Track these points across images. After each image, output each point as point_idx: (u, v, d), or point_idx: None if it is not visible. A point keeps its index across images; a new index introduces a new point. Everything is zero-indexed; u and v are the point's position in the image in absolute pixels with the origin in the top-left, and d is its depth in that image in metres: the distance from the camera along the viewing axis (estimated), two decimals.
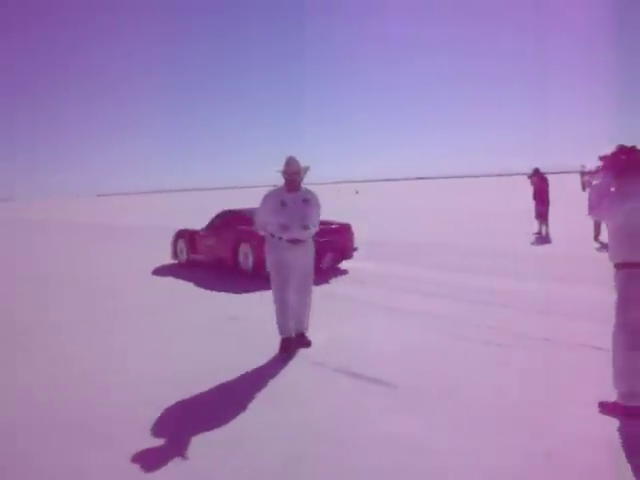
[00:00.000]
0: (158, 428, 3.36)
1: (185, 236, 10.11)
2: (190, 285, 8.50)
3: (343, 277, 8.49)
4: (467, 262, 9.14)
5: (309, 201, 4.69)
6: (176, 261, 10.40)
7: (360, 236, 9.61)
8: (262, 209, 4.75)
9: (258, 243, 7.61)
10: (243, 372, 4.26)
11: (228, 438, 3.20)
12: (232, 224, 9.19)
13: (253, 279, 8.14)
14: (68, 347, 5.23)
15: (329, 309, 6.10)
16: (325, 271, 8.15)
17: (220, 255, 9.16)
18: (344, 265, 9.12)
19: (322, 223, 8.13)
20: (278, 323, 4.67)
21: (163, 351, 4.95)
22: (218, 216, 9.89)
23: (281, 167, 4.64)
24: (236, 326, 5.70)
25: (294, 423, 3.34)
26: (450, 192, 49.01)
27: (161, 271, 9.94)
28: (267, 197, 4.73)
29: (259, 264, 7.88)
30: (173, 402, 3.73)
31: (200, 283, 8.51)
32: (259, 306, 6.18)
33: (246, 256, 8.46)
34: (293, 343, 4.70)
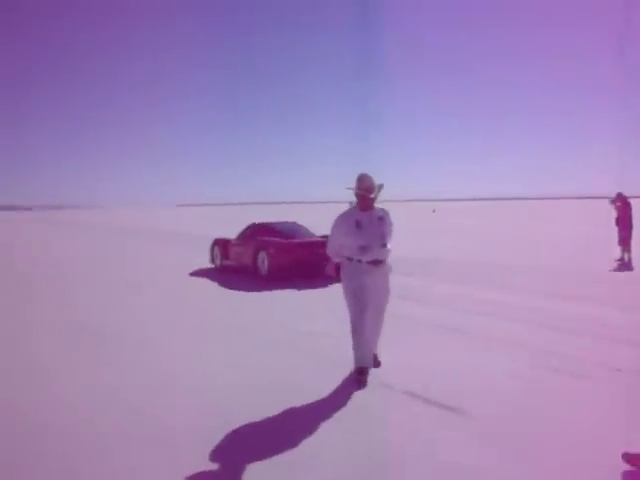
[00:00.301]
0: (224, 443, 3.30)
1: (220, 244, 11.46)
2: (258, 295, 8.65)
3: (410, 296, 7.86)
4: (546, 286, 8.78)
5: (384, 219, 4.41)
6: (212, 266, 11.80)
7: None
8: (336, 232, 4.47)
9: (274, 251, 9.14)
10: (315, 391, 4.14)
11: (295, 459, 3.08)
12: (255, 235, 10.45)
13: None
14: (139, 354, 5.26)
15: (394, 329, 5.53)
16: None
17: (244, 261, 10.39)
18: (415, 286, 8.82)
19: (324, 237, 9.68)
20: (355, 353, 4.37)
21: (238, 364, 4.89)
22: (247, 228, 11.16)
23: (353, 184, 4.38)
24: (311, 342, 5.53)
25: (364, 449, 3.22)
26: (527, 215, 47.99)
27: (214, 277, 10.55)
28: (340, 219, 4.45)
29: (273, 269, 9.48)
30: (243, 417, 3.66)
31: (265, 294, 8.67)
32: (334, 322, 5.86)
33: (263, 262, 9.65)
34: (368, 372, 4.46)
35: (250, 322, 6.74)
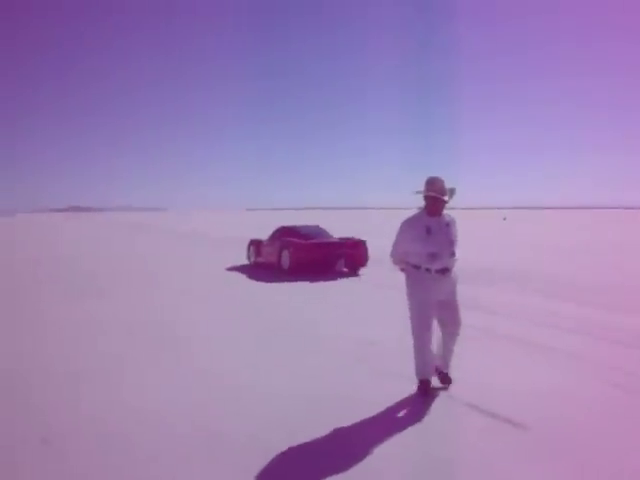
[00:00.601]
0: (281, 453, 3.20)
1: (254, 244, 13.45)
2: (275, 285, 10.27)
3: (472, 304, 7.44)
4: (619, 302, 8.36)
5: (451, 226, 4.17)
6: (248, 262, 13.77)
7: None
8: (402, 237, 4.21)
9: (293, 250, 10.72)
10: (377, 402, 4.00)
11: (353, 474, 2.99)
12: (280, 236, 12.22)
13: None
14: (198, 360, 5.20)
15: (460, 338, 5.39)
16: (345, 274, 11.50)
17: (271, 259, 12.22)
18: (484, 296, 8.71)
19: (340, 238, 12.42)
20: (417, 364, 4.20)
21: (300, 370, 4.80)
22: (276, 230, 12.94)
23: (421, 188, 4.13)
24: (374, 352, 5.37)
25: (424, 461, 3.15)
26: (608, 224, 46.08)
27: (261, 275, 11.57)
28: (408, 224, 4.17)
29: (292, 265, 11.26)
30: (302, 427, 3.57)
31: (281, 284, 10.29)
32: (397, 331, 5.85)
33: (285, 259, 11.38)
34: (434, 384, 4.33)
35: (264, 302, 8.41)
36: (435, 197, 4.04)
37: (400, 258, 4.30)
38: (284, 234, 12.21)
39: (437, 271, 4.04)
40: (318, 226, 13.35)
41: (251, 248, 13.54)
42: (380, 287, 9.91)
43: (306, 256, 10.99)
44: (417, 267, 4.10)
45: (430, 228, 4.05)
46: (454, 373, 4.46)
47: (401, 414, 3.87)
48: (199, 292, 9.47)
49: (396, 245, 4.30)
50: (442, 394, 4.22)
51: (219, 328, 6.54)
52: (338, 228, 26.33)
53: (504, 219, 51.17)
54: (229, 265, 13.53)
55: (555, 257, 15.51)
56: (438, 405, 4.01)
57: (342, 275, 11.58)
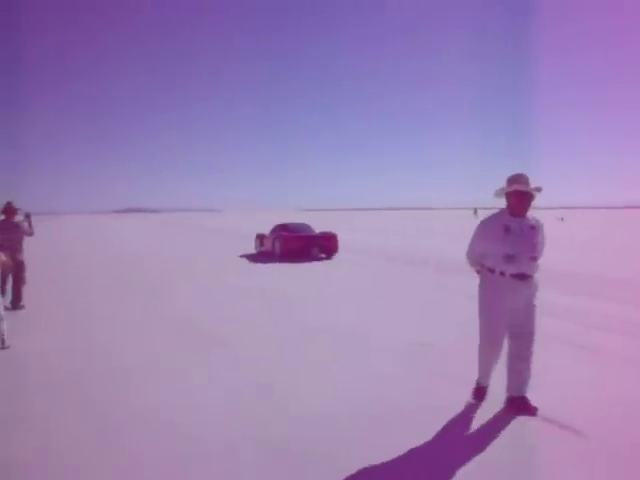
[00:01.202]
0: (335, 460, 3.02)
1: (259, 237, 16.76)
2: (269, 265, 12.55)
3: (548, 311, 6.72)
4: None
5: (536, 229, 3.84)
6: (255, 251, 16.76)
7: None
8: (478, 237, 3.92)
9: (282, 241, 14.43)
10: (433, 408, 3.78)
11: None
12: (275, 231, 15.64)
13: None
14: (251, 357, 5.04)
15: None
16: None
17: (269, 248, 15.44)
18: (555, 301, 7.80)
19: (320, 232, 15.65)
20: (480, 368, 3.98)
21: (355, 371, 4.61)
22: (274, 227, 16.29)
23: (503, 185, 3.82)
24: (430, 355, 5.11)
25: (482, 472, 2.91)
26: None
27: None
28: (486, 223, 3.89)
29: (282, 252, 14.49)
30: (356, 432, 3.37)
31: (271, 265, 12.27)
32: (450, 332, 5.83)
33: (277, 248, 14.69)
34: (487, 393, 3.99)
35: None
36: (521, 192, 3.70)
37: (476, 259, 3.98)
38: (279, 229, 15.63)
39: (512, 275, 3.69)
40: (305, 223, 16.89)
41: (256, 240, 16.94)
42: (344, 263, 13.60)
43: (291, 245, 14.56)
44: (491, 270, 3.80)
45: (509, 228, 3.74)
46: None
47: (460, 418, 3.64)
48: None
49: (472, 245, 3.98)
50: (496, 395, 3.91)
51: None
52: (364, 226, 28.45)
53: (561, 219, 50.18)
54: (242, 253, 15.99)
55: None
56: (511, 418, 3.64)
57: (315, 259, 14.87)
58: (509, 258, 3.64)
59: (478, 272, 3.98)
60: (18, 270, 6.98)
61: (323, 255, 14.98)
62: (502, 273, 3.69)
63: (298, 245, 14.60)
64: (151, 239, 26.01)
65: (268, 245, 15.62)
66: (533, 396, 3.75)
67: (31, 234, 7.43)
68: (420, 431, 3.39)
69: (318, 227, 17.85)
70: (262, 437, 3.28)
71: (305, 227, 16.21)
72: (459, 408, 3.78)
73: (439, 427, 3.46)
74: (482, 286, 3.87)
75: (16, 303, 7.03)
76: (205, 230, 35.17)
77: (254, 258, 14.80)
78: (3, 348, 5.15)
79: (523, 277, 3.67)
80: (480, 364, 3.96)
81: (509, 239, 3.66)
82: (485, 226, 3.85)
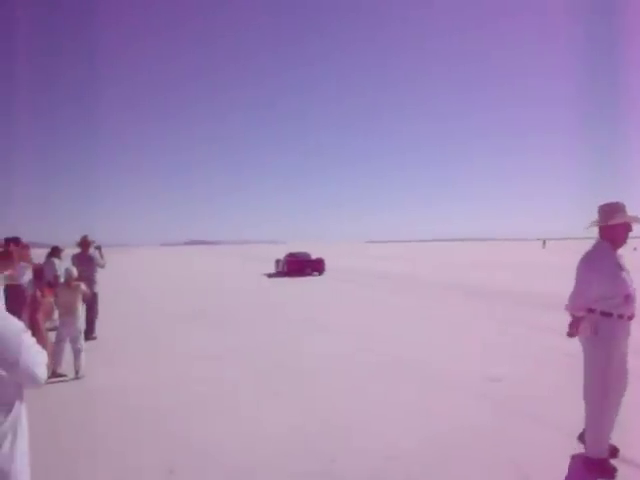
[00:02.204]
0: None
1: (277, 261, 24.23)
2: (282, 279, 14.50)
3: None
4: None
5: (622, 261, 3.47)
6: (274, 271, 23.97)
7: None
8: (587, 276, 3.31)
9: (286, 263, 22.10)
10: (500, 446, 3.50)
11: None
12: (285, 257, 22.93)
13: None
14: (310, 388, 4.96)
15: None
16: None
17: (280, 269, 23.00)
18: None
19: (315, 258, 23.20)
20: (594, 437, 3.27)
21: (418, 407, 4.37)
22: (285, 255, 23.55)
23: (597, 217, 3.43)
24: (499, 391, 4.76)
25: None
26: None
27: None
28: (596, 259, 3.31)
29: (287, 271, 21.79)
30: (420, 468, 3.22)
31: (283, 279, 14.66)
32: (523, 366, 5.58)
33: (284, 268, 22.20)
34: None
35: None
36: (629, 224, 3.33)
37: (583, 303, 3.34)
38: (287, 256, 23.05)
39: (629, 318, 3.27)
40: (306, 252, 24.52)
41: (275, 263, 24.59)
42: (330, 279, 19.22)
43: (292, 266, 21.84)
44: (608, 314, 3.26)
45: (621, 264, 3.33)
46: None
47: (529, 459, 3.31)
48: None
49: (580, 287, 3.33)
50: (563, 429, 3.71)
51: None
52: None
53: (634, 249, 47.32)
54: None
55: None
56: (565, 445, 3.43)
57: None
58: (628, 298, 3.22)
59: (580, 318, 3.34)
60: (92, 302, 7.19)
61: (316, 273, 21.94)
62: (620, 316, 3.20)
63: (297, 266, 21.93)
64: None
65: (280, 266, 23.26)
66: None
67: (103, 266, 7.68)
68: None
69: (387, 260, 20.48)
70: None
71: (305, 254, 23.71)
72: None
73: None
74: (599, 335, 3.24)
75: (89, 334, 7.20)
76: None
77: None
78: (77, 378, 5.23)
79: (633, 318, 3.25)
80: (592, 430, 3.25)
81: (626, 277, 3.26)
82: (597, 265, 3.29)
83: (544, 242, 58.77)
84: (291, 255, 23.02)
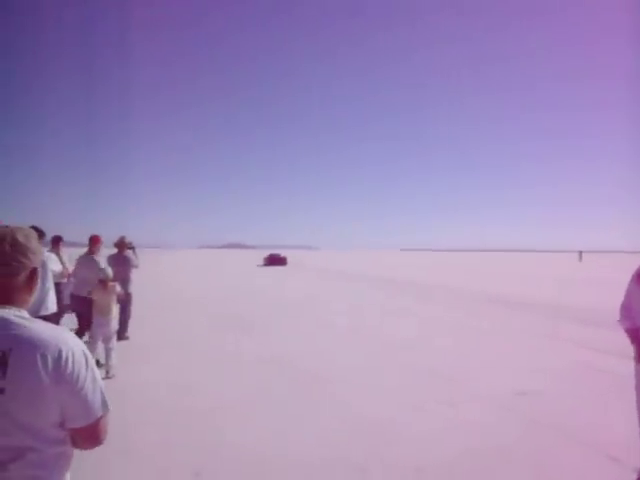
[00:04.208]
0: None
1: (264, 258, 43.66)
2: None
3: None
4: None
5: None
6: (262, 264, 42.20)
7: None
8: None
9: (268, 258, 42.69)
10: (528, 463, 3.37)
11: None
12: (267, 255, 43.60)
13: None
14: (347, 394, 4.92)
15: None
16: None
17: (265, 262, 42.38)
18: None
19: (278, 255, 45.31)
20: None
21: (448, 418, 4.26)
22: (268, 254, 44.05)
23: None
24: (526, 405, 4.63)
25: None
26: None
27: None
28: None
29: (266, 263, 42.24)
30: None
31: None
32: (552, 380, 5.46)
33: (265, 261, 42.78)
34: None
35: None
36: None
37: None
38: (269, 255, 43.06)
39: None
40: (278, 253, 45.04)
41: (263, 259, 43.57)
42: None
43: (269, 261, 41.80)
44: None
45: None
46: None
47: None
48: None
49: (633, 301, 3.09)
50: (601, 449, 3.56)
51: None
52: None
53: None
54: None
55: None
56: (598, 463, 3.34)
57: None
58: None
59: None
60: (126, 302, 7.33)
61: (283, 265, 39.93)
62: None
63: (272, 261, 41.26)
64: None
65: (265, 261, 42.02)
66: None
67: (137, 266, 7.84)
68: None
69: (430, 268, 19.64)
70: None
71: (277, 255, 42.90)
72: None
73: None
74: None
75: (121, 334, 7.33)
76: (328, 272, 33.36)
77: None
78: (107, 377, 5.34)
79: None
80: None
81: None
82: None
83: (580, 254, 57.42)
84: (271, 255, 42.90)
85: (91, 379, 1.23)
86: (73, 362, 1.19)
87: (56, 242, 7.04)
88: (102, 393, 1.26)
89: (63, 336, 1.21)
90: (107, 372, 5.39)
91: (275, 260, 40.95)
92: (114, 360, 5.51)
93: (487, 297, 14.65)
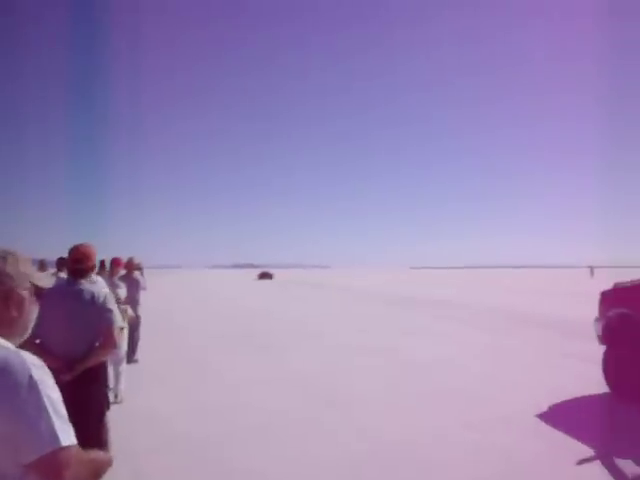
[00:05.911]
0: None
1: (258, 274, 62.73)
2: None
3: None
4: None
5: None
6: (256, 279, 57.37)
7: None
8: None
9: (259, 274, 62.64)
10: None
11: None
12: (260, 273, 63.19)
13: None
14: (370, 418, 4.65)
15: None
16: None
17: (261, 277, 60.35)
18: None
19: (268, 271, 67.52)
20: None
21: (471, 440, 3.98)
22: (260, 272, 63.76)
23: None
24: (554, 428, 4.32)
25: None
26: None
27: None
28: None
29: (259, 277, 60.38)
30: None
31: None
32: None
33: (258, 276, 60.91)
34: None
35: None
36: None
37: None
38: (260, 272, 62.51)
39: None
40: (267, 271, 64.48)
41: (257, 275, 61.06)
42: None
43: (260, 276, 59.45)
44: None
45: None
46: None
47: None
48: None
49: None
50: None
51: None
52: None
53: None
54: None
55: None
56: None
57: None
58: None
59: None
60: (135, 324, 7.23)
61: (269, 279, 55.90)
62: None
63: (263, 277, 58.45)
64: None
65: (258, 276, 58.90)
66: None
67: (145, 288, 7.77)
68: None
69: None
70: None
71: (267, 272, 61.74)
72: None
73: None
74: None
75: (130, 357, 7.20)
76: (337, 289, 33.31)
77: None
78: (116, 402, 5.19)
79: None
80: None
81: None
82: None
83: (592, 270, 56.82)
84: (261, 272, 57.72)
85: (35, 405, 1.05)
86: (7, 384, 1.03)
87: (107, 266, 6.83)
88: (55, 423, 1.06)
89: (4, 356, 1.07)
90: (116, 396, 5.26)
91: (264, 275, 59.23)
92: (123, 384, 5.38)
93: (546, 320, 13.97)
